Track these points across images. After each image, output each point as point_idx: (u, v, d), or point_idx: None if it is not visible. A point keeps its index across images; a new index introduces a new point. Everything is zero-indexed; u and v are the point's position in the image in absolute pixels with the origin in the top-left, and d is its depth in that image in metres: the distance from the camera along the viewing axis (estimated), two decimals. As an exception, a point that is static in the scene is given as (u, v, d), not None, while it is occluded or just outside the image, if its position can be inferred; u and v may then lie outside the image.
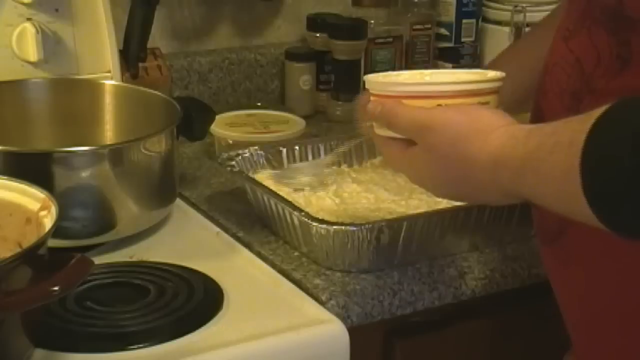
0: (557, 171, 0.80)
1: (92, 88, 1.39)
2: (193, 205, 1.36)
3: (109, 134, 1.38)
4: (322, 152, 1.39)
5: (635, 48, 0.87)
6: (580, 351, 1.01)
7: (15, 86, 1.37)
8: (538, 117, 0.99)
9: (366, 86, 1.03)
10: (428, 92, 0.96)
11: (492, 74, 1.00)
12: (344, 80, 1.73)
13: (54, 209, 0.99)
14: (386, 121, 0.98)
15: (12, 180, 1.05)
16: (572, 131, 0.79)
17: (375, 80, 1.02)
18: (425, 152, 0.95)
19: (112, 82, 1.41)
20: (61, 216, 0.98)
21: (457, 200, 1.07)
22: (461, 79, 0.98)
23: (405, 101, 0.97)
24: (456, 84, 0.97)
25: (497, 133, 0.89)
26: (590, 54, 0.92)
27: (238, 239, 1.26)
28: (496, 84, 0.99)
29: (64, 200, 1.02)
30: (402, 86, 0.99)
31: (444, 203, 1.27)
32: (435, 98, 0.96)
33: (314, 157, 1.38)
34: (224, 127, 1.50)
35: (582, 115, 0.79)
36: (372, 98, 1.01)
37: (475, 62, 1.85)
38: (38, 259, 0.93)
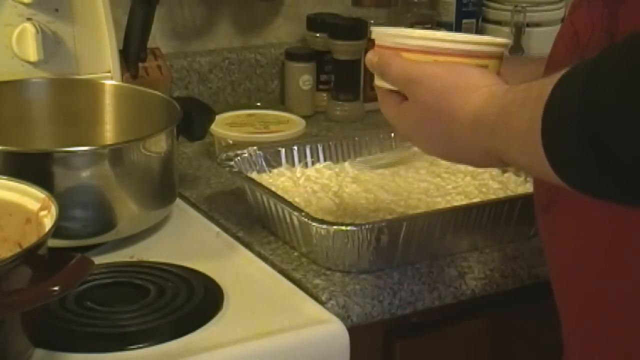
0: (524, 123, 0.80)
1: (92, 88, 1.39)
2: (193, 205, 1.36)
3: (109, 134, 1.38)
4: (320, 152, 1.39)
5: (622, 20, 0.87)
6: (569, 337, 0.99)
7: (15, 86, 1.37)
8: None
9: (372, 36, 1.03)
10: (426, 48, 0.96)
11: (497, 39, 0.99)
12: (344, 80, 1.73)
13: (54, 209, 0.99)
14: (380, 71, 0.99)
15: (12, 180, 1.05)
16: (542, 85, 0.80)
17: (379, 31, 1.01)
18: (413, 106, 0.95)
19: (112, 82, 1.41)
20: (61, 216, 0.98)
21: (442, 157, 1.06)
22: (461, 39, 0.97)
23: (403, 54, 0.97)
24: (454, 42, 0.96)
25: (479, 91, 0.90)
26: (586, 26, 0.92)
27: (238, 239, 1.26)
28: (496, 49, 0.97)
29: (64, 200, 1.02)
30: (402, 38, 0.98)
31: (443, 203, 1.28)
32: (433, 54, 0.95)
33: (312, 158, 1.38)
34: (224, 127, 1.50)
35: (556, 73, 0.79)
36: (375, 49, 1.01)
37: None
38: (38, 259, 0.93)
